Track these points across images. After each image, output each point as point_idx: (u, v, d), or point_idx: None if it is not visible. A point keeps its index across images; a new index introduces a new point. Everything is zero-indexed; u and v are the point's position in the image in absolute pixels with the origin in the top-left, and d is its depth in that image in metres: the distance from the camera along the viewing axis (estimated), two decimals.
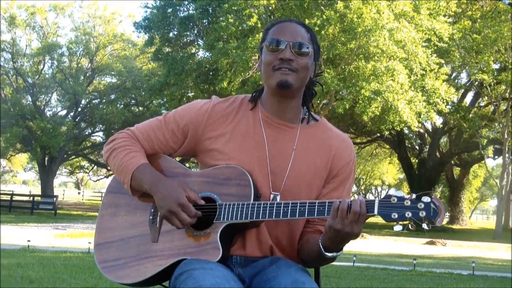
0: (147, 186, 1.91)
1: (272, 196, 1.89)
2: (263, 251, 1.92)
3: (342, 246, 1.80)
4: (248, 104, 2.03)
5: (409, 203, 1.67)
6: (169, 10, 26.23)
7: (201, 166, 2.03)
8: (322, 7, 20.58)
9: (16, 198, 31.27)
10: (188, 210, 1.83)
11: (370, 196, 47.15)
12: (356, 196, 1.75)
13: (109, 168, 2.14)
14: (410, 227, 1.69)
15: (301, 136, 1.97)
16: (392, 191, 1.72)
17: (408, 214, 1.66)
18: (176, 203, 1.82)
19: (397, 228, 1.68)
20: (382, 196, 1.74)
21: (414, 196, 1.68)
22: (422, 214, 1.65)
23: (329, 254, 1.81)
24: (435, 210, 1.65)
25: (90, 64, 37.29)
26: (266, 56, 1.93)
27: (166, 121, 2.03)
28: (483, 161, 34.00)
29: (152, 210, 1.95)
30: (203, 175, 1.94)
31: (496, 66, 26.53)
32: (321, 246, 1.80)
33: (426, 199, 1.66)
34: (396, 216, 1.67)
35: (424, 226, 1.65)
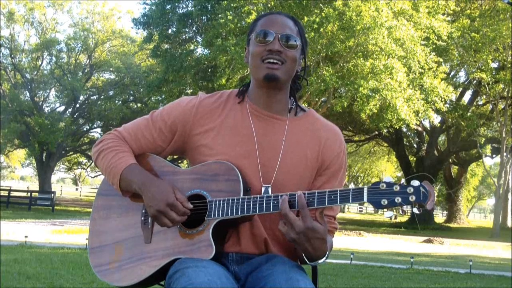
0: (136, 186, 1.89)
1: (263, 189, 1.87)
2: (257, 245, 1.90)
3: (319, 252, 1.76)
4: (235, 98, 2.01)
5: (398, 188, 1.64)
6: (168, 6, 26.23)
7: (190, 163, 2.00)
8: (321, 5, 20.58)
9: (13, 194, 31.15)
10: (177, 209, 1.81)
11: None
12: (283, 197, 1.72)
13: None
14: (401, 212, 1.67)
15: (290, 127, 1.96)
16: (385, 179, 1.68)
17: (398, 199, 1.63)
18: (164, 202, 1.81)
19: (388, 214, 1.66)
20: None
21: (403, 181, 1.65)
22: (412, 198, 1.62)
23: (312, 263, 1.83)
24: (425, 194, 1.62)
25: (88, 60, 37.24)
26: (254, 47, 1.92)
27: (153, 120, 2.01)
28: (481, 160, 34.11)
29: (143, 211, 1.94)
30: (192, 172, 1.92)
31: (494, 65, 26.56)
32: (305, 259, 1.81)
33: (415, 183, 1.63)
34: (386, 202, 1.64)
35: (415, 210, 1.62)
